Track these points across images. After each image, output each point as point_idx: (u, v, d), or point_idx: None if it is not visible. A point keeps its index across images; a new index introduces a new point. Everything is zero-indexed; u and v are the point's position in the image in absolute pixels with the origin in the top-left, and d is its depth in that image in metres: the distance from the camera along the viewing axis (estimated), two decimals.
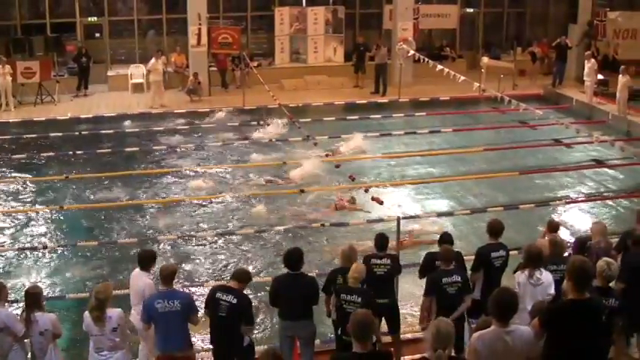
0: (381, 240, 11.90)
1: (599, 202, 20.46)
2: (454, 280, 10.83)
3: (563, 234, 15.02)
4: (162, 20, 33.14)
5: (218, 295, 10.18)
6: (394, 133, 25.98)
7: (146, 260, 11.13)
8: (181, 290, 11.75)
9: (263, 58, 33.88)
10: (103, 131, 25.62)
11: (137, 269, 11.26)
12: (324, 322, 11.46)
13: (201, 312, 10.74)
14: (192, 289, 14.37)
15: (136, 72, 31.39)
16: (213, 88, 31.10)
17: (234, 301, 10.07)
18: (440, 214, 18.67)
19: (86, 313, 9.82)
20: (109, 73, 32.00)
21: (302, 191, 20.23)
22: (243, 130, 26.26)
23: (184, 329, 10.25)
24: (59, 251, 16.62)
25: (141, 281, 10.96)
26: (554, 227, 12.93)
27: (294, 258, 10.79)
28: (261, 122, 26.43)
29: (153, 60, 29.16)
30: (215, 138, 25.35)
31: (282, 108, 26.21)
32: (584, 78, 30.41)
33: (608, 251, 11.40)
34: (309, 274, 11.67)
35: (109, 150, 23.57)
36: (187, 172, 21.97)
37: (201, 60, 30.52)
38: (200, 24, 30.00)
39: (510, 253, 11.91)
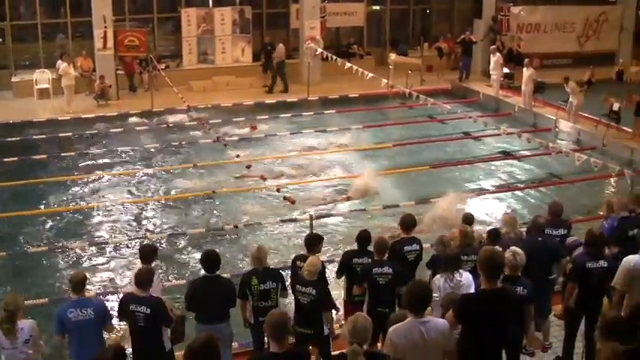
0: (310, 240, 11.98)
1: (508, 193, 20.83)
2: (385, 272, 11.04)
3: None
4: (67, 24, 32.54)
5: (132, 307, 9.98)
6: (304, 131, 26.00)
7: (147, 255, 11.12)
8: (95, 298, 11.56)
9: (171, 60, 33.47)
10: (10, 139, 24.89)
11: (138, 264, 11.32)
12: (241, 323, 11.41)
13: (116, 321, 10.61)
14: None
15: (42, 77, 30.60)
16: (121, 91, 30.60)
17: (148, 311, 9.91)
18: (352, 211, 18.79)
19: None
20: (14, 79, 31.23)
21: (214, 192, 20.16)
22: (154, 133, 26.04)
23: (99, 338, 10.05)
24: None
25: None
26: (467, 219, 13.11)
27: (210, 260, 10.74)
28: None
29: (64, 64, 28.56)
30: (125, 142, 24.99)
31: (192, 110, 26.00)
32: (490, 72, 30.99)
33: (518, 241, 11.61)
34: (225, 276, 11.64)
35: (16, 158, 22.90)
36: (99, 178, 21.67)
37: (108, 63, 30.02)
38: (105, 27, 29.51)
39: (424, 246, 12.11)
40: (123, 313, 10.16)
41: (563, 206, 13.29)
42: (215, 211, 19.45)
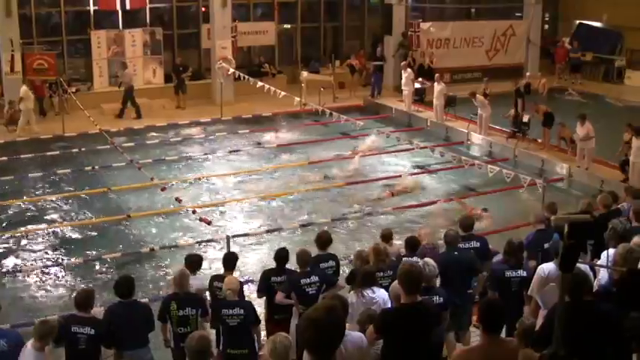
0: (228, 259, 12.02)
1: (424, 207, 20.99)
2: (313, 281, 11.14)
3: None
4: None
5: (74, 329, 9.89)
6: (218, 152, 25.82)
7: (192, 264, 11.65)
8: (9, 329, 11.27)
9: (81, 83, 32.90)
10: None
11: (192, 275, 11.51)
12: (161, 347, 11.27)
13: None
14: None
15: None
16: None
17: (92, 332, 9.90)
18: (269, 231, 18.75)
19: None
20: None
21: (129, 216, 19.90)
22: (66, 158, 25.47)
23: None
24: None
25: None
26: (385, 236, 13.13)
27: (125, 286, 10.62)
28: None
29: (24, 87, 27.95)
30: (37, 168, 24.38)
31: (104, 133, 25.60)
32: (402, 87, 31.22)
33: (435, 251, 11.72)
34: (142, 301, 11.54)
35: None
36: (9, 206, 21.07)
37: (16, 88, 29.39)
38: (13, 50, 29.00)
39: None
40: (62, 336, 9.93)
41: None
42: (130, 235, 19.18)
